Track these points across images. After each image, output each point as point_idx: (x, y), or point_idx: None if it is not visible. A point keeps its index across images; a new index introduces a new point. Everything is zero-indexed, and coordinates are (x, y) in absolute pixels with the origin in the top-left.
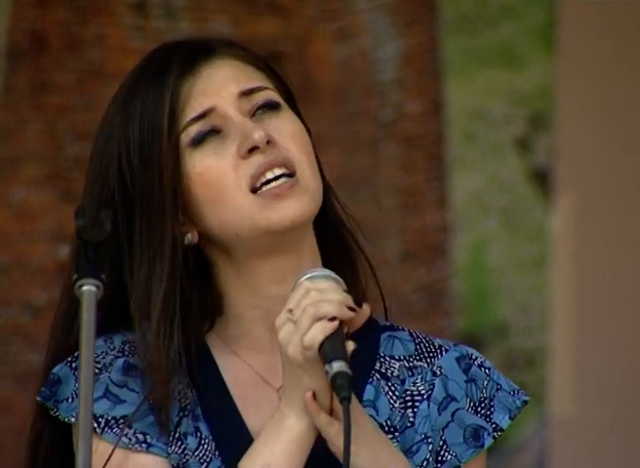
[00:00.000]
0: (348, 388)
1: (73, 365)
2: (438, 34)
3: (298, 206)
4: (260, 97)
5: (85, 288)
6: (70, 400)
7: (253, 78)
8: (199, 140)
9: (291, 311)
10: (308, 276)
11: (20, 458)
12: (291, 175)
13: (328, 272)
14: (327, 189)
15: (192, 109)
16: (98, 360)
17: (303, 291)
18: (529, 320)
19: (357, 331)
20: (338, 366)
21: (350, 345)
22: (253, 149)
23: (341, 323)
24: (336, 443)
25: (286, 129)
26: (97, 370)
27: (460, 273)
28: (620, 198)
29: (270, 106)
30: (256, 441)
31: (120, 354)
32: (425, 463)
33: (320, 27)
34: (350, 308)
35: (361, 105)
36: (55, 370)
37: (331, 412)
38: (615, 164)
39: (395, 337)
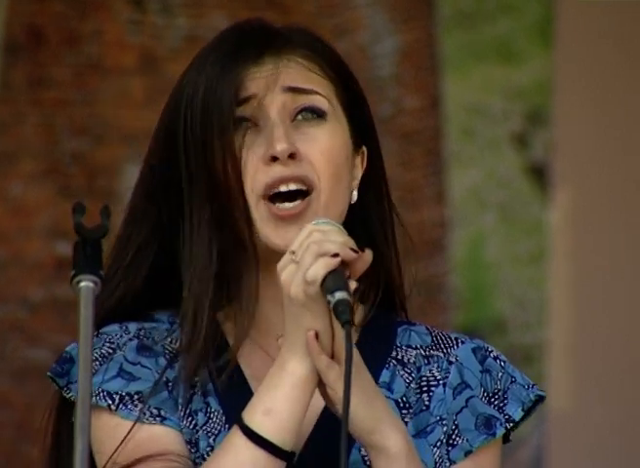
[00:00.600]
0: (350, 314)
1: None
2: (436, 30)
3: (295, 235)
4: (306, 101)
5: (83, 284)
6: None
7: (309, 79)
8: (235, 124)
9: (293, 253)
10: (313, 223)
11: (18, 452)
12: (308, 191)
13: (332, 221)
14: (372, 194)
15: (239, 94)
16: (112, 341)
17: (307, 232)
18: (527, 315)
19: (373, 323)
20: (340, 295)
21: (353, 284)
22: (274, 159)
23: (344, 265)
24: (335, 387)
25: (320, 141)
26: (110, 350)
27: (457, 268)
28: (617, 193)
29: (312, 112)
30: (258, 388)
31: (135, 338)
32: (439, 444)
33: (318, 23)
34: (353, 250)
35: None
36: (68, 348)
37: (332, 357)
38: (612, 159)
39: (412, 330)
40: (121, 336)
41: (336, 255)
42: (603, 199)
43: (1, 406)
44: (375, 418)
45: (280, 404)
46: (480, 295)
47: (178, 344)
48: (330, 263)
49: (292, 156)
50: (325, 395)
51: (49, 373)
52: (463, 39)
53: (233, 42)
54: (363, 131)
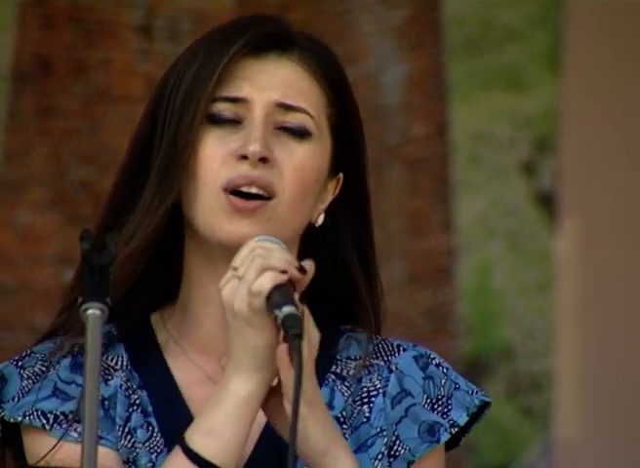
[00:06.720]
0: (300, 327)
1: (19, 363)
2: (443, 58)
3: (247, 229)
4: (293, 119)
5: (90, 311)
6: (16, 399)
7: (303, 92)
8: (216, 121)
9: (236, 269)
10: (256, 239)
11: None
12: (268, 198)
13: (276, 239)
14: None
15: (230, 89)
16: (45, 358)
17: (249, 248)
18: (534, 343)
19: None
20: (288, 309)
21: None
22: (245, 158)
23: (290, 282)
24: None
25: (297, 157)
26: (44, 368)
27: (465, 296)
28: (625, 221)
29: (297, 132)
30: (203, 407)
31: (69, 355)
32: (380, 456)
33: None
34: (298, 269)
35: (366, 129)
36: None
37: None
38: (621, 187)
39: (354, 338)
40: (54, 354)
41: (284, 272)
42: (611, 227)
43: None
44: (328, 440)
45: (222, 424)
46: (487, 323)
47: (113, 362)
48: (277, 277)
49: (263, 160)
50: (271, 414)
51: None
52: (471, 67)
53: (241, 29)
54: (347, 157)
